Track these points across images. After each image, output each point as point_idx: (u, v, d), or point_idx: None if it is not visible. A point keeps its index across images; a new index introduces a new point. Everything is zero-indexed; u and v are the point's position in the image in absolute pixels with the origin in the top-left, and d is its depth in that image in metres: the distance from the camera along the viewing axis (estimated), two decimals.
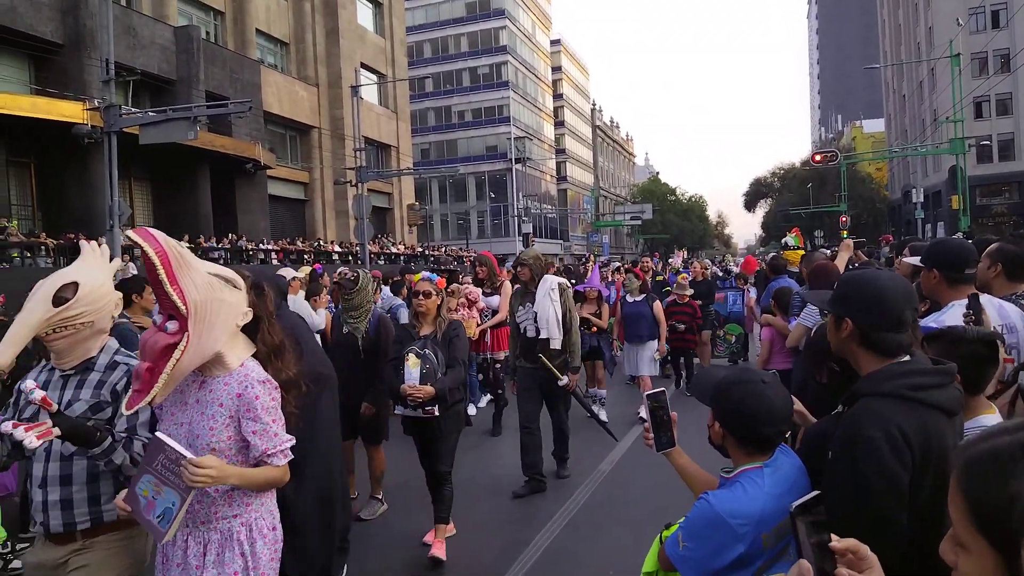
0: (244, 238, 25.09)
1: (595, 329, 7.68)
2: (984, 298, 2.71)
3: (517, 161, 55.50)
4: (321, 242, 30.06)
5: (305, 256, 25.95)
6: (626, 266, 13.81)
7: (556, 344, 5.32)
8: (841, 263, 5.44)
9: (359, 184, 25.92)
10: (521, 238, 45.80)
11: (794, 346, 4.82)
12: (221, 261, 21.96)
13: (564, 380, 5.32)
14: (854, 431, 1.53)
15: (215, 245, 22.92)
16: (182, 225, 23.54)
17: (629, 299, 7.98)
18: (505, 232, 56.14)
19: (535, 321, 5.37)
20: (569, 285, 5.68)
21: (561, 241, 66.78)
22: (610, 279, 11.41)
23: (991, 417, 1.84)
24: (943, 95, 38.00)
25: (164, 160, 22.31)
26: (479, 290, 7.76)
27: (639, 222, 57.33)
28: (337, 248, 29.79)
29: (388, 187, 38.52)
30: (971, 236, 14.28)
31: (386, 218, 38.88)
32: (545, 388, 5.48)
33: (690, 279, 10.07)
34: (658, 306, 7.90)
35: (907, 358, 1.62)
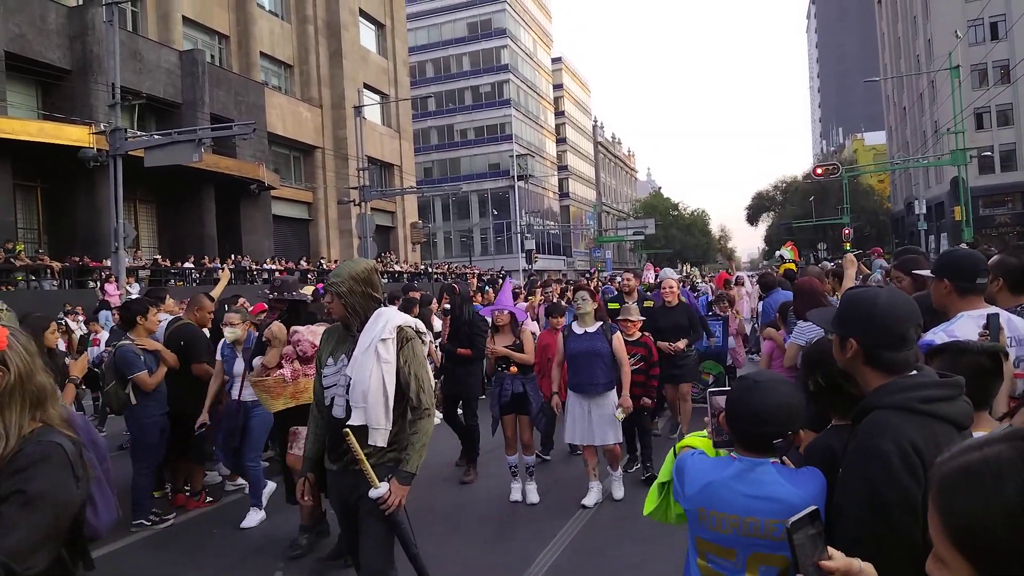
0: (248, 258, 25.20)
1: (515, 369, 5.65)
2: (990, 310, 2.70)
3: (519, 178, 55.83)
4: (324, 262, 30.15)
5: (309, 276, 26.02)
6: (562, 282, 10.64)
7: (379, 438, 2.92)
8: (848, 280, 5.39)
9: (362, 203, 26.07)
10: (524, 255, 45.92)
11: (792, 365, 4.82)
12: (231, 280, 22.02)
13: (380, 489, 2.85)
14: (866, 444, 1.53)
15: (219, 266, 22.98)
16: (187, 246, 23.68)
17: (577, 330, 5.44)
18: (509, 249, 56.27)
19: (347, 392, 2.98)
20: (422, 331, 3.28)
21: (564, 257, 66.90)
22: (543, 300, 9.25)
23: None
24: (944, 107, 38.13)
25: (169, 182, 22.48)
26: (315, 336, 4.63)
27: (642, 237, 57.49)
28: None
29: (391, 206, 38.72)
30: (976, 247, 14.25)
31: (389, 237, 39.03)
32: (357, 502, 3.01)
33: (654, 304, 7.14)
34: (619, 340, 5.39)
35: (914, 372, 1.62)
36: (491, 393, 5.86)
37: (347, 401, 2.98)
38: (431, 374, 3.40)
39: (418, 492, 5.98)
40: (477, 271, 37.99)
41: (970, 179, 32.09)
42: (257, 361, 4.89)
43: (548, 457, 6.85)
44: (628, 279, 7.93)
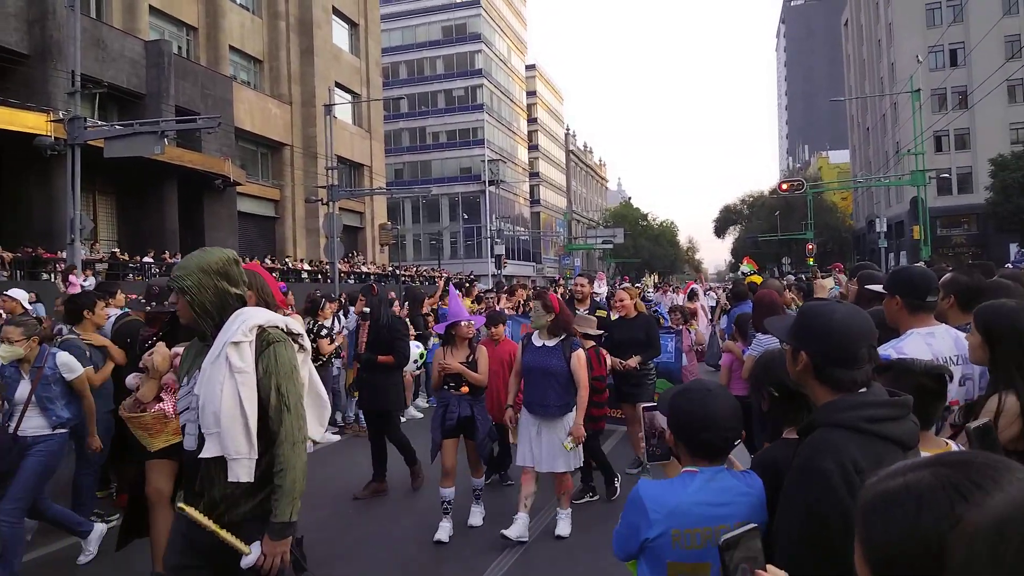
0: None
1: (466, 389, 5.04)
2: (941, 328, 2.73)
3: (491, 183, 55.77)
4: (290, 261, 29.72)
5: (273, 275, 25.61)
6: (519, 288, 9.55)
7: (241, 471, 2.24)
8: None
9: (330, 203, 25.75)
10: (494, 259, 45.82)
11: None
12: None
13: (251, 556, 2.24)
14: (808, 463, 1.51)
15: (179, 262, 22.55)
16: (147, 240, 23.12)
17: (536, 341, 4.96)
18: (478, 253, 56.19)
19: (199, 417, 2.36)
20: (296, 332, 2.51)
21: (534, 263, 67.04)
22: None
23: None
24: (905, 128, 39.22)
25: (131, 174, 21.92)
26: (167, 361, 3.76)
27: (611, 246, 57.88)
28: (307, 267, 29.48)
29: (360, 206, 38.37)
30: (931, 265, 14.66)
31: (357, 237, 38.65)
32: (218, 563, 2.35)
33: (607, 314, 6.70)
34: (579, 359, 4.84)
35: (863, 390, 1.60)
36: (434, 415, 5.22)
37: (198, 427, 2.32)
38: (309, 387, 2.51)
39: (346, 515, 5.62)
40: (445, 274, 37.84)
41: (929, 200, 33.00)
42: (131, 380, 4.12)
43: (491, 480, 6.13)
44: (581, 285, 7.00)
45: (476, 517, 5.21)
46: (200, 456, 2.26)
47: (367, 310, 6.52)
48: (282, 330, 2.42)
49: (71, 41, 14.99)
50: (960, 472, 0.75)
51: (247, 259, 26.26)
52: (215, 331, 2.36)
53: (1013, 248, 31.04)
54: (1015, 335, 2.23)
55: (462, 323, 5.16)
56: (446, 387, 5.10)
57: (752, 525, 1.27)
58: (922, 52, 38.03)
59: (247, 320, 2.33)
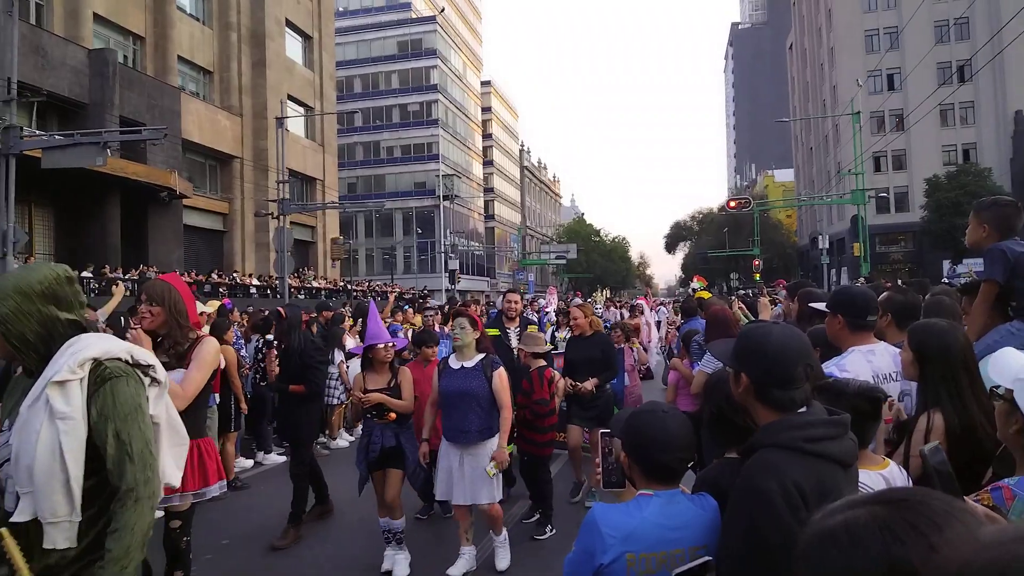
0: (154, 269, 23.96)
1: (393, 416, 4.59)
2: (881, 346, 2.82)
3: (445, 198, 55.74)
4: (238, 275, 29.05)
5: (220, 290, 25.00)
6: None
7: (59, 537, 1.84)
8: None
9: (281, 216, 25.33)
10: (448, 274, 45.67)
11: (698, 392, 4.91)
12: (128, 292, 20.82)
13: None
14: (750, 484, 1.53)
15: (122, 276, 21.77)
16: (87, 255, 22.30)
17: (453, 364, 4.59)
18: (432, 268, 55.96)
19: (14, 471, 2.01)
20: (146, 363, 2.04)
21: (488, 278, 67.07)
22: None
23: (870, 474, 1.87)
24: (846, 149, 40.74)
25: (71, 186, 21.16)
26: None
27: (564, 262, 58.37)
28: (255, 281, 28.85)
29: (312, 220, 37.83)
30: (871, 281, 15.22)
31: (309, 252, 38.06)
32: None
33: (562, 335, 6.53)
34: (501, 378, 4.51)
35: (804, 409, 1.63)
36: (358, 446, 4.80)
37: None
38: (167, 426, 2.14)
39: (249, 564, 5.18)
40: (399, 289, 37.52)
41: (868, 217, 34.25)
42: None
43: (432, 513, 5.85)
44: (513, 301, 6.46)
45: (402, 567, 4.62)
46: (12, 520, 1.84)
47: (270, 337, 6.01)
48: (124, 362, 1.96)
49: (8, 47, 14.45)
50: (896, 512, 0.74)
51: (193, 273, 25.58)
52: (41, 366, 1.92)
53: (946, 265, 32.45)
54: (943, 354, 2.32)
55: (379, 346, 4.64)
56: (369, 416, 4.68)
57: (705, 559, 1.27)
58: (861, 76, 39.68)
59: (78, 352, 1.89)
